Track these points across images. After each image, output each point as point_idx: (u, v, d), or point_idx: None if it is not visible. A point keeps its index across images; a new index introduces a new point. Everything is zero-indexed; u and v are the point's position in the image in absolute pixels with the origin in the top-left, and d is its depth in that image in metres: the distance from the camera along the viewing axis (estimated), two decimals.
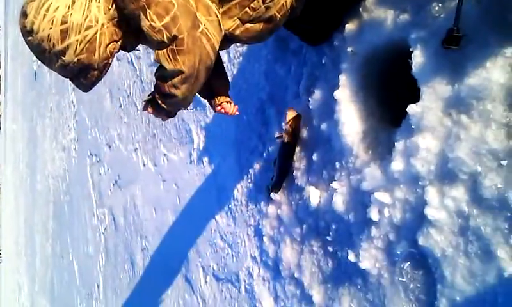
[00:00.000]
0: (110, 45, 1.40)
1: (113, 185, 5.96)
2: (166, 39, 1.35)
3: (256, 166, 2.70)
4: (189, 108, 1.65)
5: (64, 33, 1.31)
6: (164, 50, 1.38)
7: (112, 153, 5.97)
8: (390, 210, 1.69)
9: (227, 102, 1.86)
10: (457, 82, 1.45)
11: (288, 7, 1.63)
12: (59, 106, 10.30)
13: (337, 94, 1.95)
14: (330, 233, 2.03)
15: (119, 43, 1.44)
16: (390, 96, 1.88)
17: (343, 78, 1.94)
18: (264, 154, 2.63)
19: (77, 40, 1.33)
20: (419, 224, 1.57)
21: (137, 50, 4.47)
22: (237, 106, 1.90)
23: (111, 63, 1.45)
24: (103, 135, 6.48)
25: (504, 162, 1.33)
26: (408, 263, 1.62)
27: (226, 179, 3.07)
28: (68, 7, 1.30)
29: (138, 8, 1.34)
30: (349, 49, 1.90)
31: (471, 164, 1.41)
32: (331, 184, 2.00)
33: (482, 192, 1.38)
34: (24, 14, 1.30)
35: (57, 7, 1.29)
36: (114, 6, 1.38)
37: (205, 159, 3.42)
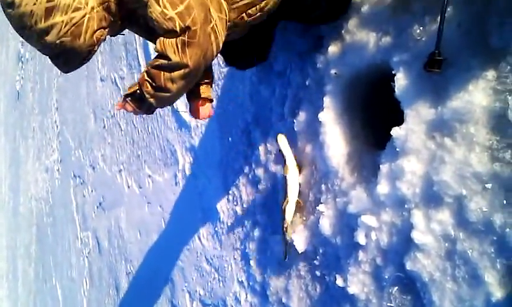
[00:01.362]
0: (97, 32, 1.33)
1: (97, 207, 5.85)
2: (178, 28, 1.28)
3: (243, 188, 2.67)
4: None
5: (49, 11, 1.23)
6: (173, 40, 1.30)
7: (96, 175, 5.88)
8: (377, 234, 1.67)
9: (204, 100, 1.79)
10: (440, 105, 1.46)
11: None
12: (42, 126, 10.16)
13: (322, 116, 1.94)
14: (318, 257, 2.00)
15: (107, 29, 1.37)
16: (374, 118, 1.88)
17: (327, 100, 1.94)
18: (250, 176, 2.61)
19: (62, 21, 1.25)
20: (406, 248, 1.55)
21: (121, 70, 4.40)
22: (211, 109, 1.86)
23: (96, 50, 1.38)
24: (87, 156, 6.39)
25: (489, 185, 1.33)
26: (396, 287, 1.60)
27: (212, 201, 3.03)
28: None
29: None
30: (333, 72, 1.90)
31: (456, 187, 1.40)
32: (317, 207, 1.98)
33: (467, 215, 1.37)
34: None
35: None
36: None
37: (191, 181, 3.38)
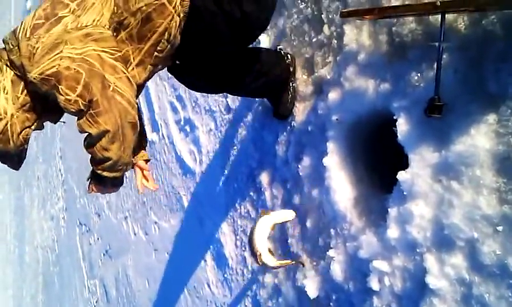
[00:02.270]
0: (22, 133, 1.50)
1: (104, 255, 5.82)
2: (83, 107, 1.42)
3: None
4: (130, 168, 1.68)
5: None
6: (84, 118, 1.44)
7: (102, 222, 5.87)
8: (390, 279, 1.66)
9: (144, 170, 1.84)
10: (443, 149, 1.47)
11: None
12: (47, 175, 10.21)
13: (326, 161, 1.96)
14: (331, 304, 1.97)
15: (32, 127, 1.53)
16: (378, 162, 1.90)
17: (330, 146, 1.96)
18: None
19: None
20: (421, 293, 1.54)
21: None
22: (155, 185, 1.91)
23: (26, 148, 1.56)
24: (92, 204, 6.40)
25: (500, 228, 1.32)
26: None
27: (219, 247, 3.02)
28: None
29: (50, 87, 1.41)
30: (334, 118, 1.93)
31: (467, 231, 1.40)
32: (327, 252, 1.97)
33: (481, 258, 1.36)
34: None
35: None
36: (24, 92, 1.47)
37: (197, 227, 3.37)
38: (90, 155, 1.55)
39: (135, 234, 4.68)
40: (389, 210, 1.66)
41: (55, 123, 1.65)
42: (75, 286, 7.24)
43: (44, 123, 1.62)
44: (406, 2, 1.61)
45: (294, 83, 2.23)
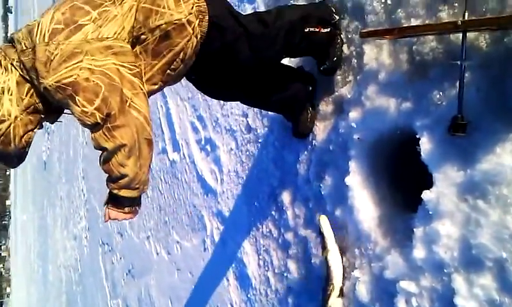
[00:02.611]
0: (25, 136, 1.47)
1: (126, 274, 5.87)
2: (99, 120, 1.40)
3: (273, 253, 2.66)
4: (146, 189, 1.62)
5: None
6: (100, 131, 1.42)
7: (124, 242, 5.94)
8: (417, 300, 1.63)
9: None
10: (469, 168, 1.46)
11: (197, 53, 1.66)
12: (70, 195, 10.41)
13: (348, 180, 1.96)
14: None
15: (35, 131, 1.51)
16: (401, 181, 1.88)
17: (352, 165, 1.96)
18: (280, 240, 2.60)
19: None
20: None
21: None
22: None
23: (27, 151, 1.53)
24: (114, 224, 6.47)
25: None
26: None
27: (242, 267, 3.02)
28: None
29: (65, 97, 1.39)
30: (356, 137, 1.93)
31: (495, 251, 1.37)
32: (352, 272, 1.95)
33: (511, 279, 1.34)
34: None
35: None
36: (28, 94, 1.44)
37: (220, 246, 3.38)
38: (106, 173, 1.52)
39: (157, 253, 4.71)
40: (414, 229, 1.64)
41: (52, 123, 1.63)
42: (98, 306, 7.30)
43: (55, 119, 1.61)
44: (426, 22, 1.62)
45: (313, 101, 2.24)
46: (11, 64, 1.43)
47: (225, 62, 1.80)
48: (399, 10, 1.74)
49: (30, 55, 1.41)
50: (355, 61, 2.02)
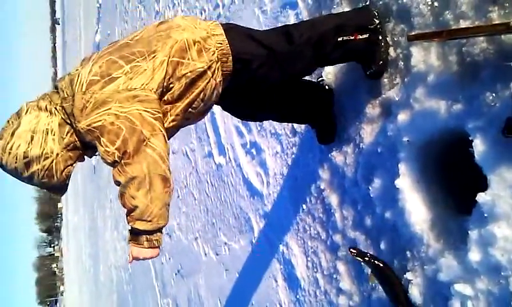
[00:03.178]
0: (65, 170, 1.69)
1: (176, 274, 6.04)
2: (117, 158, 1.59)
3: (322, 255, 2.69)
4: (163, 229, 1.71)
5: (27, 165, 1.62)
6: (117, 168, 1.61)
7: (173, 243, 6.12)
8: (473, 303, 1.62)
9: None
10: None
11: (219, 93, 1.87)
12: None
13: (398, 183, 1.96)
14: None
15: (74, 165, 1.73)
16: (453, 183, 1.87)
17: (402, 167, 1.96)
18: (328, 242, 2.63)
19: (38, 169, 1.63)
20: None
21: (191, 143, 4.70)
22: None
23: (68, 183, 1.77)
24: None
25: None
26: None
27: (290, 268, 3.06)
28: (28, 144, 1.60)
29: (93, 138, 1.61)
30: (405, 139, 1.93)
31: None
32: (404, 275, 1.95)
33: None
34: None
35: (19, 145, 1.60)
36: (68, 134, 1.67)
37: (267, 248, 3.44)
38: (123, 207, 1.67)
39: (205, 254, 4.84)
40: (469, 232, 1.63)
41: (90, 157, 1.84)
42: (149, 305, 7.55)
43: (93, 153, 1.82)
44: (476, 23, 1.60)
45: (332, 110, 2.44)
46: (55, 108, 1.67)
47: (256, 87, 2.01)
48: (447, 12, 1.73)
49: (70, 102, 1.64)
50: (402, 63, 2.01)
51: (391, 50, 2.06)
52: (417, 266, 1.90)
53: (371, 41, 2.04)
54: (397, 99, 2.01)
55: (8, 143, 1.61)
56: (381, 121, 2.15)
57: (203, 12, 4.85)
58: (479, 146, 1.58)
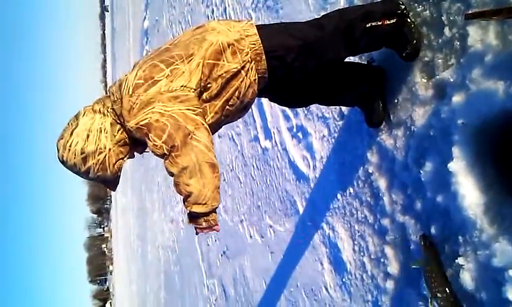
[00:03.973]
0: (117, 163, 1.86)
1: (221, 255, 6.20)
2: (166, 151, 1.75)
3: (369, 239, 2.68)
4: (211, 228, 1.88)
5: (84, 160, 1.79)
6: (168, 160, 1.77)
7: (219, 225, 6.26)
8: None
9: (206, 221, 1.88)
10: None
11: (256, 90, 1.97)
12: (166, 180, 11.12)
13: (452, 166, 1.92)
14: None
15: (125, 159, 1.90)
16: (509, 166, 1.81)
17: (456, 150, 1.91)
18: (376, 226, 2.61)
19: (94, 163, 1.81)
20: None
21: (237, 127, 4.78)
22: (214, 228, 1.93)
23: (120, 175, 1.93)
24: None
25: None
26: None
27: (336, 252, 3.07)
28: (85, 141, 1.78)
29: (143, 135, 1.78)
30: (460, 121, 1.88)
31: None
32: (456, 260, 1.92)
33: None
34: (57, 149, 1.82)
35: (77, 142, 1.78)
36: (119, 132, 1.83)
37: (313, 231, 3.46)
38: (179, 194, 1.82)
39: (251, 236, 4.93)
40: None
41: (140, 153, 2.00)
42: (195, 285, 7.79)
43: (140, 152, 1.99)
44: None
45: (384, 93, 2.41)
46: (107, 110, 1.85)
47: (294, 78, 2.08)
48: None
49: (119, 104, 1.82)
50: (458, 43, 1.96)
51: (446, 30, 2.01)
52: (469, 251, 1.87)
53: (399, 25, 2.11)
54: (451, 80, 1.96)
55: (67, 141, 1.79)
56: (434, 103, 2.11)
57: None
58: None
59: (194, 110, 1.78)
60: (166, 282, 11.58)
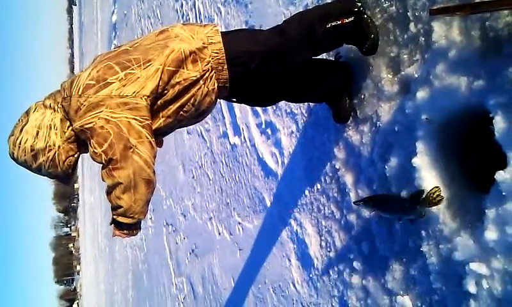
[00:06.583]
0: (67, 160, 1.84)
1: (190, 253, 6.12)
2: (103, 161, 1.73)
3: (335, 234, 2.69)
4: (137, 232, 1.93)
5: (34, 157, 1.78)
6: (105, 170, 1.75)
7: (187, 223, 6.19)
8: (488, 282, 1.61)
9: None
10: None
11: (214, 99, 1.95)
12: None
13: (416, 161, 1.93)
14: (423, 306, 1.94)
15: (76, 155, 1.87)
16: (472, 161, 1.84)
17: (420, 146, 1.93)
18: (342, 222, 2.62)
19: (44, 160, 1.79)
20: None
21: (207, 123, 4.71)
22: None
23: (71, 172, 1.90)
24: (177, 205, 6.76)
25: None
26: None
27: (304, 247, 3.07)
28: (34, 138, 1.76)
29: (85, 138, 1.77)
30: (424, 117, 1.90)
31: None
32: (419, 254, 1.94)
33: None
34: (8, 146, 1.80)
35: (27, 139, 1.76)
36: (69, 129, 1.80)
37: (281, 227, 3.45)
38: (108, 202, 1.83)
39: (219, 234, 4.88)
40: (486, 211, 1.61)
41: (85, 153, 1.94)
42: (163, 283, 7.68)
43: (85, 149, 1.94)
44: None
45: (350, 89, 2.43)
46: (57, 106, 1.82)
47: (260, 82, 2.09)
48: None
49: (68, 102, 1.78)
50: (423, 39, 1.97)
51: (411, 26, 2.02)
52: (432, 245, 1.89)
53: (357, 21, 2.15)
54: (416, 76, 1.98)
55: (17, 138, 1.77)
56: (399, 98, 2.12)
57: None
58: (499, 123, 1.55)
59: (141, 122, 1.75)
60: (134, 281, 11.38)
